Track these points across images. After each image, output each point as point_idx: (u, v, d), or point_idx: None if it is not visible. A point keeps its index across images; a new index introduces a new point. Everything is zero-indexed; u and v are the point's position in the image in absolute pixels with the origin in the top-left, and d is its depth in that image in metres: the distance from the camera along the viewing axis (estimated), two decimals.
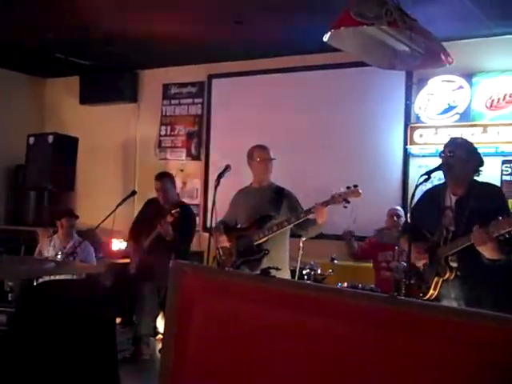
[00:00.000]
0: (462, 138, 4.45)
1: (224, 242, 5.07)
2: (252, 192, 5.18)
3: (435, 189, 4.16)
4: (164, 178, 6.55)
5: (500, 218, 3.45)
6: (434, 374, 1.80)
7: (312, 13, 6.14)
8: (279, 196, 5.03)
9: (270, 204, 4.99)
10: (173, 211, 5.97)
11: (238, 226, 5.15)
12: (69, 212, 6.84)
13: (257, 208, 5.01)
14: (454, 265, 3.78)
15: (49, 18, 6.83)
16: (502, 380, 1.72)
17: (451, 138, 4.22)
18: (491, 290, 3.72)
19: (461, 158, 3.88)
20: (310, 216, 4.70)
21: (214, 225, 5.04)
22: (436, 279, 3.83)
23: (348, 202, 4.56)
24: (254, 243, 4.86)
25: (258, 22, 6.67)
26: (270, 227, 4.84)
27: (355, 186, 4.56)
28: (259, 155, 5.10)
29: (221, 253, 5.10)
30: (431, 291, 3.86)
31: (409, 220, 3.98)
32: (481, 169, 3.95)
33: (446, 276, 3.80)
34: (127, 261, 6.77)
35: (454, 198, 3.93)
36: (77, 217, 6.74)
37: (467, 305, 3.70)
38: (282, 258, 4.95)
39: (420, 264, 3.98)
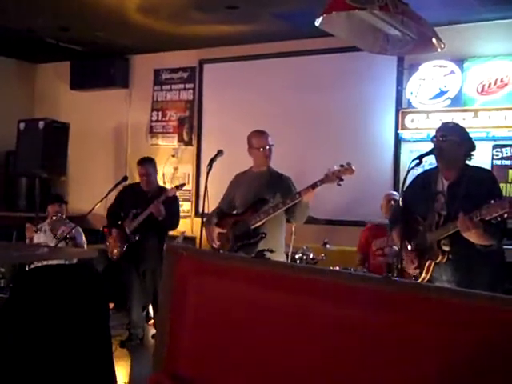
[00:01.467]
0: (453, 123, 4.43)
1: (215, 239, 5.05)
2: (250, 176, 5.15)
3: (427, 173, 4.15)
4: (147, 162, 6.57)
5: (492, 201, 3.47)
6: (431, 353, 1.82)
7: None
8: (276, 180, 5.02)
9: (266, 188, 4.97)
10: (177, 184, 6.34)
11: (234, 211, 5.13)
12: (57, 198, 6.85)
13: (254, 192, 4.99)
14: (447, 248, 3.78)
15: (39, 3, 6.78)
16: (497, 360, 1.74)
17: (443, 123, 4.23)
18: (484, 273, 3.74)
19: (453, 142, 3.89)
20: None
21: (205, 211, 5.01)
22: (428, 262, 3.85)
23: (342, 180, 4.53)
24: (251, 227, 4.84)
25: (250, 7, 6.64)
26: (265, 210, 4.81)
27: (348, 164, 4.55)
28: (258, 142, 5.06)
29: (216, 243, 5.07)
30: (423, 274, 3.87)
31: (401, 204, 3.97)
32: (473, 153, 3.96)
33: (439, 259, 3.81)
34: None
35: (446, 183, 3.94)
36: (65, 203, 6.75)
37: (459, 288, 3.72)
38: (278, 242, 4.96)
39: (411, 270, 3.98)
